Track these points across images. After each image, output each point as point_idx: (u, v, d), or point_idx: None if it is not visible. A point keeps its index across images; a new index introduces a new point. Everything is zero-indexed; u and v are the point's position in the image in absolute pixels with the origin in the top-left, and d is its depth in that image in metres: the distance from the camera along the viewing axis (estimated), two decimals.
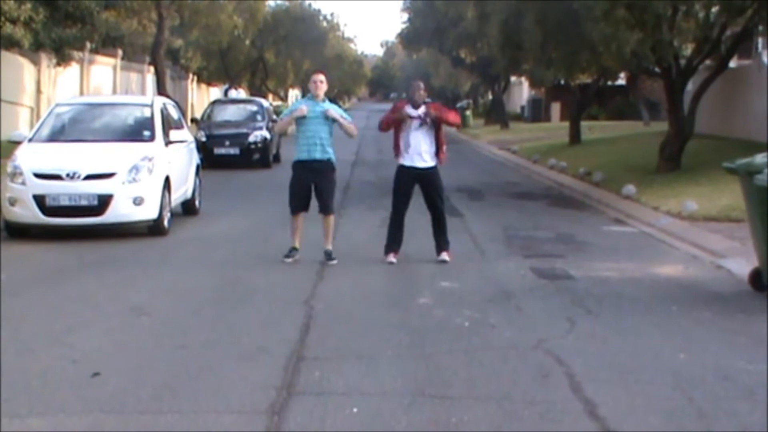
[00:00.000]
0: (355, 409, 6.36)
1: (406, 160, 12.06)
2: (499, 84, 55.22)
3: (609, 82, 37.07)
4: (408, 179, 12.14)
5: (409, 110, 12.02)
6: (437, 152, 12.05)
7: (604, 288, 10.51)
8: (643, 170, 21.64)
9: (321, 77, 12.16)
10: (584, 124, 35.77)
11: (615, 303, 9.74)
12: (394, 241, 12.18)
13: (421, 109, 11.98)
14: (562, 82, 34.56)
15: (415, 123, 11.94)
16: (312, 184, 12.11)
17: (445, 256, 12.09)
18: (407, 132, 12.00)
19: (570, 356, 7.62)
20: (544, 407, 6.41)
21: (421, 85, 12.22)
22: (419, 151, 11.99)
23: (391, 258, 12.05)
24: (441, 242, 12.22)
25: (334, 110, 12.12)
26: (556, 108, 53.33)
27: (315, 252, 12.38)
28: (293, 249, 12.09)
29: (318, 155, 11.99)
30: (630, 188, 18.82)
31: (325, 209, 12.17)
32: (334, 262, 11.89)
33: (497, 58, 32.59)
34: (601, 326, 8.75)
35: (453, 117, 12.26)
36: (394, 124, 12.07)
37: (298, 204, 12.13)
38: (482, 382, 6.99)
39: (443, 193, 12.43)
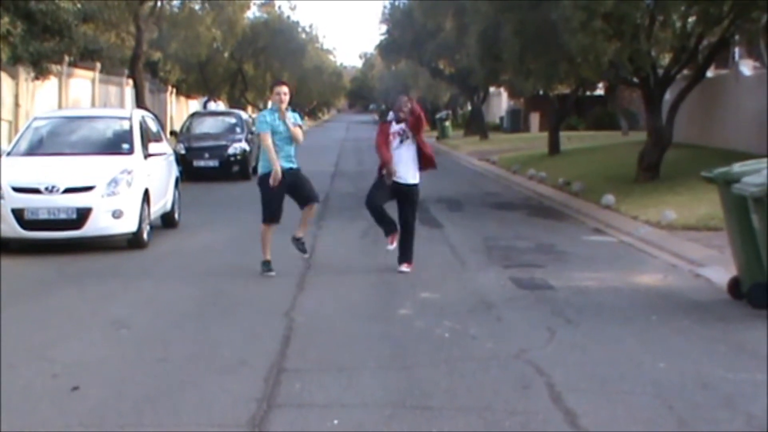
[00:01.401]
0: (336, 421, 6.36)
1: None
2: (478, 95, 55.28)
3: (587, 93, 37.25)
4: (386, 186, 12.11)
5: (394, 127, 12.09)
6: (420, 166, 12.09)
7: (584, 298, 10.54)
8: (622, 180, 21.72)
9: (285, 89, 12.08)
10: (563, 134, 35.87)
11: (595, 312, 9.76)
12: (387, 225, 12.17)
13: (401, 126, 12.06)
14: (541, 92, 34.61)
15: (396, 140, 12.05)
16: (286, 192, 12.05)
17: (404, 267, 12.10)
18: (396, 154, 12.05)
19: (550, 366, 7.63)
20: (524, 418, 6.42)
21: (405, 99, 12.27)
22: (403, 165, 12.02)
23: (390, 244, 12.15)
24: (406, 254, 12.22)
25: (289, 116, 12.01)
26: (535, 118, 53.44)
27: (295, 263, 12.38)
28: (268, 262, 11.96)
29: (287, 166, 11.94)
30: (609, 198, 18.88)
31: (310, 198, 12.14)
32: (306, 255, 11.84)
33: (476, 69, 32.57)
34: (581, 336, 8.77)
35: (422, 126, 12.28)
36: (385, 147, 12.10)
37: (273, 211, 11.97)
38: (463, 393, 6.99)
39: (416, 209, 12.42)
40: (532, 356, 7.98)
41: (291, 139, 11.97)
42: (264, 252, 12.02)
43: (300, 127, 12.11)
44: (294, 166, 12.07)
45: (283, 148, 11.94)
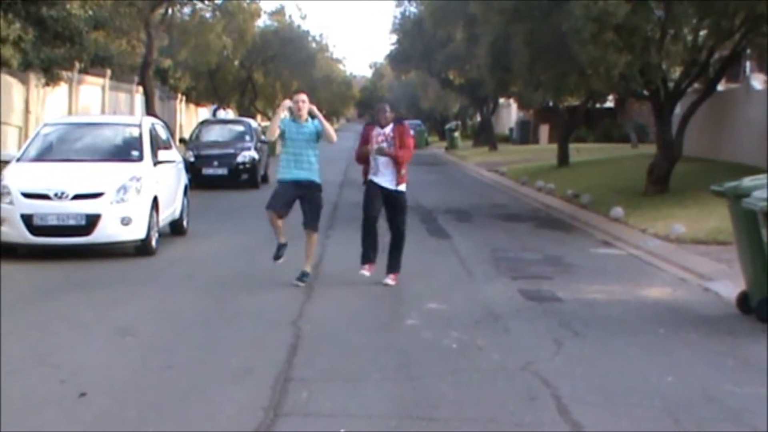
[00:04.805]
0: (342, 431, 6.35)
1: (375, 178, 12.08)
2: (487, 106, 55.33)
3: (597, 105, 37.22)
4: (376, 192, 12.07)
5: (377, 130, 12.08)
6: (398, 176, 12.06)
7: (592, 310, 10.52)
8: (630, 192, 21.69)
9: (303, 97, 12.10)
10: (572, 146, 35.85)
11: (602, 325, 9.74)
12: (368, 251, 12.17)
13: (389, 128, 12.05)
14: (551, 104, 34.65)
15: (383, 145, 12.04)
16: (298, 198, 12.04)
17: (390, 280, 12.02)
18: (375, 159, 12.06)
19: (557, 378, 7.62)
20: (531, 430, 6.41)
21: (387, 107, 12.33)
22: (384, 174, 12.02)
23: (366, 271, 12.05)
24: (393, 263, 12.17)
25: (318, 122, 11.98)
26: (544, 130, 53.46)
27: None
28: (282, 246, 11.97)
29: (303, 176, 11.93)
30: (618, 210, 18.85)
31: (310, 225, 12.05)
32: (302, 285, 11.73)
33: (486, 79, 32.63)
34: (588, 348, 8.76)
35: (403, 153, 12.06)
36: (366, 155, 12.13)
37: (278, 203, 11.94)
38: (469, 404, 6.98)
39: (406, 216, 12.31)
40: (539, 368, 7.96)
41: (312, 149, 11.94)
42: (277, 235, 12.06)
43: (324, 133, 11.99)
44: (309, 177, 11.96)
45: (299, 156, 11.92)
